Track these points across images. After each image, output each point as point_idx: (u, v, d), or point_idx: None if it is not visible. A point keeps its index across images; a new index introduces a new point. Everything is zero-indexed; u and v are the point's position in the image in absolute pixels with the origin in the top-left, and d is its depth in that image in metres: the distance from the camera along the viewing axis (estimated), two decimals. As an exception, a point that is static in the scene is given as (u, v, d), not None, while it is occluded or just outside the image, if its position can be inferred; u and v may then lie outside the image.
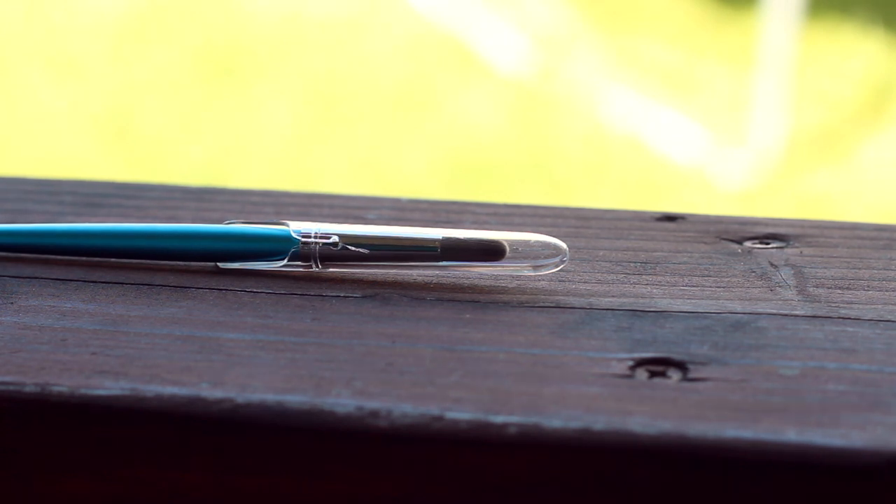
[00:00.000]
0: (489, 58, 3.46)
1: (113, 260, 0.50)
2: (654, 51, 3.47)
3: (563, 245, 0.48)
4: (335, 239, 0.49)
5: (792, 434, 0.39)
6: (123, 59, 3.47)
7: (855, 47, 3.45)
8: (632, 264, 0.51)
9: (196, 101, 3.23)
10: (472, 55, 3.49)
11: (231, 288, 0.48)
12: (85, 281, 0.49)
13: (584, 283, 0.49)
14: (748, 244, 0.53)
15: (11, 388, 0.41)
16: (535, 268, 0.48)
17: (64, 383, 0.41)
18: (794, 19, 3.07)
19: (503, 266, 0.48)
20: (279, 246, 0.49)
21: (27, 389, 0.41)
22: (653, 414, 0.40)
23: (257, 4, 3.79)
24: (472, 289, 0.48)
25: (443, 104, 3.22)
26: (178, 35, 3.58)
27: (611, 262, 0.51)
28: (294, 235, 0.49)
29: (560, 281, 0.49)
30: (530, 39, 3.54)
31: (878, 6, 3.59)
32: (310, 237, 0.49)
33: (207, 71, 3.39)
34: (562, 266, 0.48)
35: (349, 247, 0.49)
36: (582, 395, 0.41)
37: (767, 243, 0.53)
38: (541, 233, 0.50)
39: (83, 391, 0.41)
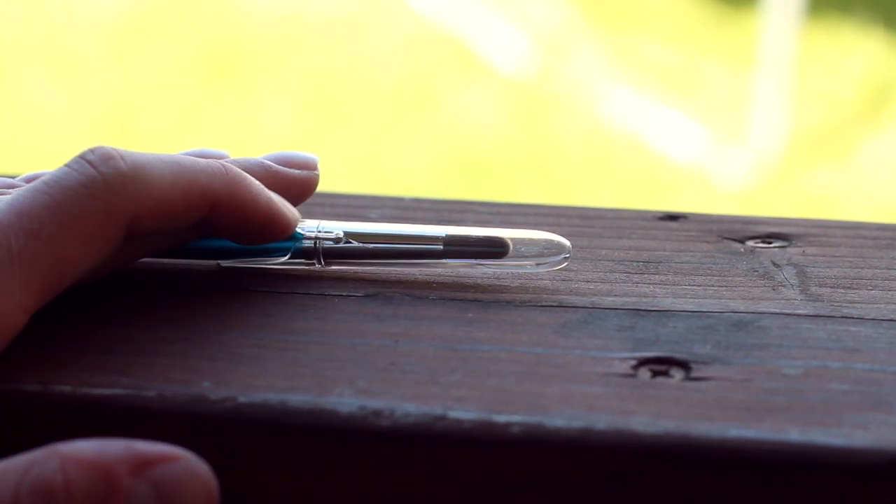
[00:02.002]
0: (489, 57, 3.46)
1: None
2: (654, 50, 3.47)
3: (567, 242, 0.48)
4: (338, 234, 0.49)
5: (795, 434, 0.39)
6: (123, 58, 3.47)
7: (855, 47, 3.45)
8: (634, 263, 0.51)
9: (196, 100, 3.23)
10: (472, 55, 3.49)
11: (233, 287, 0.48)
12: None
13: (587, 282, 0.49)
14: (750, 243, 0.53)
15: (13, 386, 0.41)
16: (539, 265, 0.48)
17: (66, 382, 0.41)
18: (794, 19, 3.08)
19: (506, 263, 0.48)
20: (281, 243, 0.49)
21: (29, 388, 0.41)
22: (655, 413, 0.40)
23: (257, 4, 3.79)
24: (475, 288, 0.48)
25: (443, 103, 3.22)
26: (178, 34, 3.58)
27: (613, 261, 0.51)
28: (297, 231, 0.49)
29: (563, 280, 0.49)
30: (530, 39, 3.54)
31: (878, 6, 3.59)
32: (312, 233, 0.49)
33: (207, 70, 3.39)
34: (565, 263, 0.48)
35: (352, 241, 0.49)
36: (585, 394, 0.41)
37: (770, 242, 0.53)
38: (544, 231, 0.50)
39: (85, 390, 0.41)
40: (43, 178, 0.43)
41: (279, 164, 0.50)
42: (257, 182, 0.47)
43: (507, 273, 0.49)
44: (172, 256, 0.50)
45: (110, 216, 0.43)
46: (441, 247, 0.48)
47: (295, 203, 0.49)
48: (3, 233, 0.41)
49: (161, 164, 0.44)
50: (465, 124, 3.11)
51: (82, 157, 0.43)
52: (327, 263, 0.49)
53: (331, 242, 0.49)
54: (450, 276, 0.49)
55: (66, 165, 0.43)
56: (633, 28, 3.59)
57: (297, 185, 0.50)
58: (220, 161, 0.47)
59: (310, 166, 0.50)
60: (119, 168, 0.43)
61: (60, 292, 0.43)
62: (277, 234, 0.48)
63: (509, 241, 0.48)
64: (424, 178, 2.88)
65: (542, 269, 0.48)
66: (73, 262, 0.42)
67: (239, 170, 0.47)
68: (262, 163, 0.50)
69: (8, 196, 0.43)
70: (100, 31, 3.61)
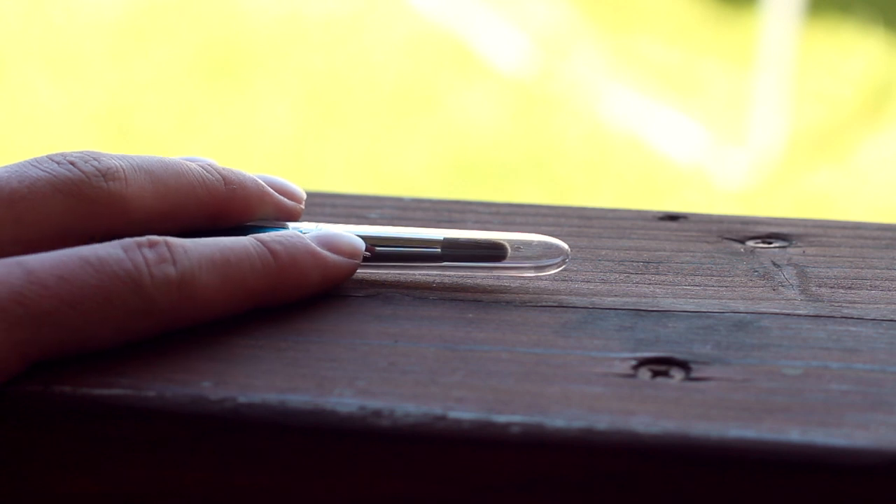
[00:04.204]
0: (489, 57, 3.46)
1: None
2: (655, 50, 3.47)
3: (565, 246, 0.48)
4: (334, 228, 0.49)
5: (795, 434, 0.39)
6: (123, 57, 3.47)
7: (855, 47, 3.45)
8: (634, 263, 0.51)
9: (196, 99, 3.23)
10: (472, 54, 3.49)
11: (233, 287, 0.48)
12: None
13: (587, 282, 0.49)
14: (751, 244, 0.53)
15: (14, 387, 0.41)
16: (537, 269, 0.48)
17: (66, 382, 0.41)
18: (794, 18, 3.08)
19: (504, 266, 0.48)
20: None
21: (29, 388, 0.41)
22: (656, 413, 0.40)
23: (257, 3, 3.79)
24: (475, 288, 0.48)
25: (443, 103, 3.22)
26: (178, 33, 3.58)
27: (613, 261, 0.51)
28: (295, 225, 0.49)
29: (563, 280, 0.49)
30: (530, 38, 3.54)
31: (878, 6, 3.60)
32: (309, 228, 0.49)
33: (207, 69, 3.39)
34: (563, 267, 0.48)
35: (350, 230, 0.49)
36: (585, 394, 0.41)
37: (770, 243, 0.53)
38: (543, 232, 0.49)
39: (85, 390, 0.41)
40: (97, 251, 0.42)
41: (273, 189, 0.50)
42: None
43: (507, 274, 0.49)
44: None
45: (148, 317, 0.43)
46: (439, 250, 0.48)
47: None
48: (39, 294, 0.41)
49: (211, 268, 0.43)
50: (465, 124, 3.11)
51: (139, 244, 0.43)
52: None
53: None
54: (450, 275, 0.49)
55: (122, 247, 0.42)
56: (633, 28, 3.59)
57: (286, 214, 0.50)
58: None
59: (298, 199, 0.50)
60: (168, 275, 0.42)
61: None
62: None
63: (507, 246, 0.48)
64: (424, 178, 2.88)
65: (540, 274, 0.48)
66: (97, 342, 0.42)
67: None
68: (258, 182, 0.49)
69: (52, 254, 0.42)
70: (100, 31, 3.61)
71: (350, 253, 0.47)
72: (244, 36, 3.59)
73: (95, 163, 0.45)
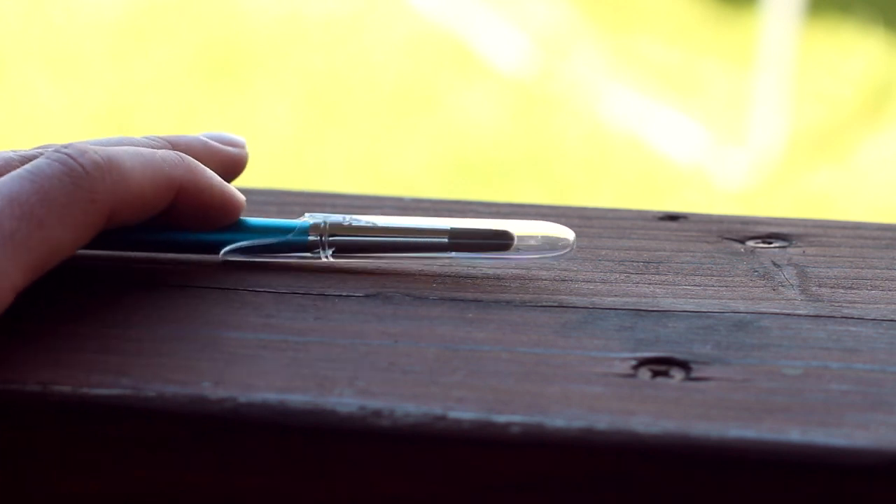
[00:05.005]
0: (489, 57, 3.46)
1: (117, 253, 0.50)
2: (655, 50, 3.47)
3: (571, 234, 0.48)
4: (344, 218, 0.49)
5: (795, 434, 0.39)
6: (123, 57, 3.47)
7: (855, 47, 3.45)
8: (634, 263, 0.51)
9: (195, 99, 3.23)
10: (471, 54, 3.49)
11: (233, 287, 0.48)
12: (86, 280, 0.49)
13: (587, 282, 0.49)
14: (751, 244, 0.53)
15: (13, 386, 0.41)
16: (543, 256, 0.48)
17: (65, 382, 0.41)
18: (794, 18, 3.08)
19: (511, 256, 0.48)
20: (287, 224, 0.49)
21: (28, 388, 0.41)
22: (656, 413, 0.40)
23: (257, 3, 3.79)
24: (475, 288, 0.48)
25: (443, 103, 3.22)
26: (178, 33, 3.58)
27: (613, 261, 0.51)
28: (304, 221, 0.49)
29: (563, 280, 0.49)
30: (530, 38, 3.54)
31: (878, 6, 3.60)
32: (317, 218, 0.49)
33: (207, 69, 3.39)
34: (569, 253, 0.48)
35: (359, 220, 0.49)
36: (585, 394, 0.41)
37: (770, 243, 0.53)
38: (545, 228, 0.49)
39: (85, 390, 0.41)
40: (26, 167, 0.44)
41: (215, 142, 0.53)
42: (199, 145, 0.51)
43: (509, 272, 0.49)
44: (176, 250, 0.50)
45: (94, 204, 0.45)
46: (446, 239, 0.48)
47: (228, 180, 0.51)
48: None
49: (130, 156, 0.46)
50: (465, 124, 3.11)
51: (58, 151, 0.45)
52: (334, 256, 0.49)
53: (337, 224, 0.49)
54: (450, 273, 0.49)
55: (46, 157, 0.45)
56: (633, 28, 3.59)
57: (232, 161, 0.52)
58: (166, 136, 0.50)
59: (240, 144, 0.53)
60: (96, 161, 0.45)
61: (48, 271, 0.44)
62: (231, 216, 0.50)
63: (514, 233, 0.48)
64: (424, 178, 2.88)
65: (547, 260, 0.48)
66: (60, 245, 0.44)
67: (186, 143, 0.50)
68: (201, 139, 0.52)
69: None
70: (100, 31, 3.61)
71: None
72: (244, 36, 3.59)
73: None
